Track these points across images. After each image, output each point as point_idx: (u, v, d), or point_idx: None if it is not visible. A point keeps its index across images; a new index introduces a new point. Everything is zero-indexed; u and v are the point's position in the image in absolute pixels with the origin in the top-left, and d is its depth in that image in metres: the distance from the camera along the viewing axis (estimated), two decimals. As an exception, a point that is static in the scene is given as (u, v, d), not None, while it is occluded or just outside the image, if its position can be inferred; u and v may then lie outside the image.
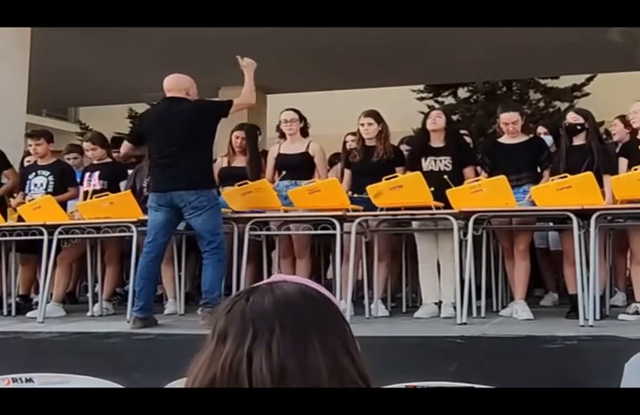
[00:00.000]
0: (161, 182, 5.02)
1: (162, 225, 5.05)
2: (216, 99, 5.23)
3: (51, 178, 6.27)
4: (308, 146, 5.85)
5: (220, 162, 6.22)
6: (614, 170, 5.13)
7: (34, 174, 6.34)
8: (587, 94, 13.72)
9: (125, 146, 5.46)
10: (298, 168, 5.70)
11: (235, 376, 1.02)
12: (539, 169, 5.42)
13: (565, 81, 14.01)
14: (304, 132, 5.98)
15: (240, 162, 6.12)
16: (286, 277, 1.14)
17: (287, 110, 5.96)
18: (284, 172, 5.78)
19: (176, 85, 5.17)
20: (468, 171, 5.48)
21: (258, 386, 1.01)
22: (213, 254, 4.97)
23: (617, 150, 5.54)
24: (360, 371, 1.07)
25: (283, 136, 6.13)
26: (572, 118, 5.36)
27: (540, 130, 6.36)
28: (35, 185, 6.28)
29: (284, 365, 1.02)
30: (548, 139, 5.94)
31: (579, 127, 5.29)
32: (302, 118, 5.94)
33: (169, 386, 2.88)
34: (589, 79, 13.65)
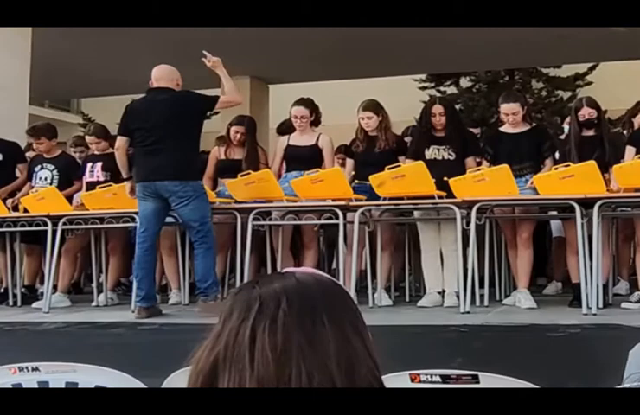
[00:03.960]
0: (145, 172, 5.03)
1: (152, 214, 5.06)
2: (203, 92, 5.20)
3: (55, 173, 6.30)
4: (318, 138, 5.84)
5: (217, 152, 6.20)
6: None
7: (39, 167, 6.37)
8: (590, 83, 13.71)
9: (121, 140, 5.30)
10: (308, 160, 5.67)
11: (238, 352, 0.99)
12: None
13: (567, 70, 13.99)
14: (316, 123, 5.96)
15: (239, 154, 6.10)
16: (300, 268, 1.13)
17: (297, 105, 5.88)
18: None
19: (168, 75, 5.18)
20: (470, 161, 5.49)
21: (259, 363, 0.98)
22: (202, 243, 4.99)
23: (627, 139, 5.53)
24: (370, 353, 1.05)
25: (283, 133, 6.13)
26: (588, 113, 5.33)
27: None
28: (40, 179, 6.31)
29: (288, 338, 0.98)
30: None
31: (596, 122, 5.31)
32: (313, 111, 5.90)
33: (173, 375, 2.89)
34: (591, 68, 13.63)
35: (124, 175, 5.33)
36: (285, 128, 6.42)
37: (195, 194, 4.99)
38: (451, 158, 5.44)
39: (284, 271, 1.11)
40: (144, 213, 5.07)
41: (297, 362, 0.98)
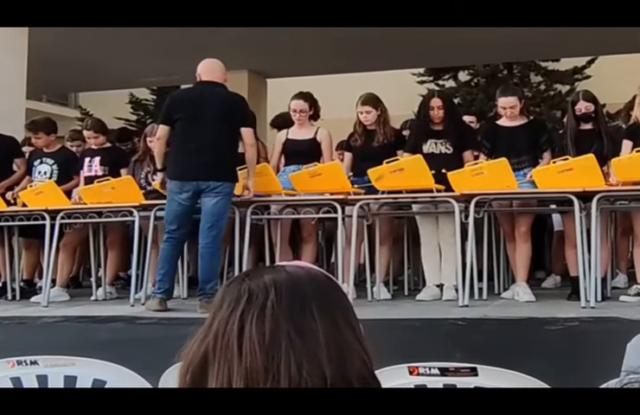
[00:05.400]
0: (189, 170, 4.88)
1: (186, 214, 4.97)
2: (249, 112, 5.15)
3: (55, 167, 6.30)
4: (316, 132, 5.83)
5: None
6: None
7: (39, 161, 6.37)
8: (588, 77, 13.71)
9: (163, 129, 5.05)
10: (306, 154, 5.65)
11: (226, 343, 0.99)
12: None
13: (566, 64, 13.98)
14: (315, 117, 5.95)
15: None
16: (292, 262, 1.13)
17: (296, 99, 5.86)
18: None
19: (220, 69, 5.07)
20: (467, 155, 5.48)
21: (247, 353, 0.97)
22: (212, 242, 4.93)
23: (624, 132, 5.54)
24: (362, 345, 1.04)
25: (280, 128, 6.12)
26: (584, 107, 5.35)
27: None
28: (40, 173, 6.31)
29: (277, 328, 0.98)
30: None
31: (593, 115, 5.32)
32: (312, 105, 5.88)
33: (171, 369, 2.89)
34: (590, 62, 13.62)
35: (159, 167, 5.17)
36: (280, 121, 6.41)
37: (227, 192, 4.95)
38: (449, 152, 5.44)
39: (275, 264, 1.11)
40: (176, 213, 4.95)
41: (285, 352, 0.97)
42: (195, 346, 1.03)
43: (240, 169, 5.54)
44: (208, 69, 5.07)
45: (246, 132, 5.05)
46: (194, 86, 5.16)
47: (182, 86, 5.18)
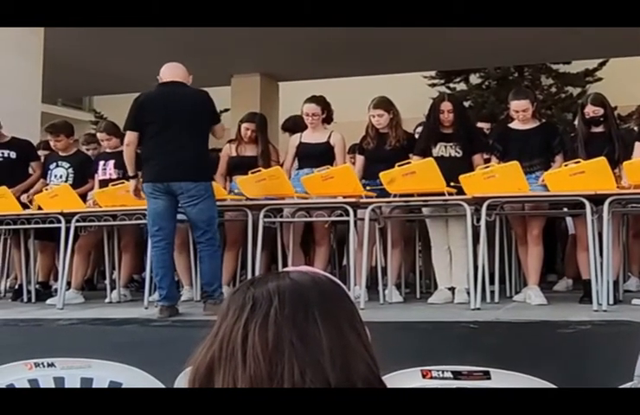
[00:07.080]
0: (159, 171, 4.87)
1: (166, 212, 4.95)
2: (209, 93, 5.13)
3: (70, 170, 6.37)
4: (330, 136, 5.85)
5: (229, 149, 6.23)
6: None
7: (54, 164, 6.44)
8: (600, 79, 13.66)
9: (132, 135, 5.00)
10: (320, 157, 5.66)
11: (231, 351, 1.00)
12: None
13: (577, 66, 13.94)
14: (328, 120, 5.97)
15: (250, 151, 6.11)
16: (297, 267, 1.14)
17: (309, 102, 5.87)
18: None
19: (183, 71, 5.08)
20: (477, 158, 5.49)
21: (250, 360, 0.99)
22: (208, 245, 4.92)
23: (636, 135, 5.53)
24: (367, 349, 1.04)
25: (291, 131, 6.16)
26: (592, 111, 5.33)
27: None
28: (55, 176, 6.38)
29: (280, 335, 0.99)
30: None
31: (602, 119, 5.31)
32: (325, 108, 5.90)
33: (184, 372, 2.93)
34: (601, 64, 13.58)
35: (131, 173, 5.16)
36: (291, 124, 6.44)
37: (206, 193, 4.92)
38: (458, 155, 5.45)
39: (280, 271, 1.12)
40: (156, 212, 4.94)
41: (289, 359, 0.98)
42: (202, 354, 1.05)
43: (253, 172, 5.59)
44: (172, 73, 5.06)
45: (217, 131, 5.12)
46: (157, 88, 5.09)
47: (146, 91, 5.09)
